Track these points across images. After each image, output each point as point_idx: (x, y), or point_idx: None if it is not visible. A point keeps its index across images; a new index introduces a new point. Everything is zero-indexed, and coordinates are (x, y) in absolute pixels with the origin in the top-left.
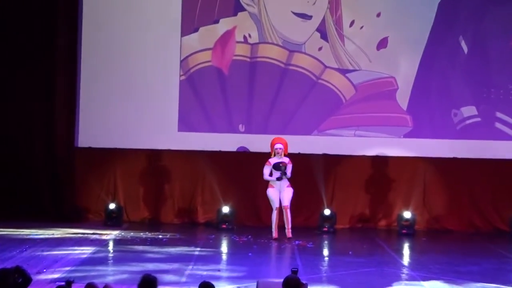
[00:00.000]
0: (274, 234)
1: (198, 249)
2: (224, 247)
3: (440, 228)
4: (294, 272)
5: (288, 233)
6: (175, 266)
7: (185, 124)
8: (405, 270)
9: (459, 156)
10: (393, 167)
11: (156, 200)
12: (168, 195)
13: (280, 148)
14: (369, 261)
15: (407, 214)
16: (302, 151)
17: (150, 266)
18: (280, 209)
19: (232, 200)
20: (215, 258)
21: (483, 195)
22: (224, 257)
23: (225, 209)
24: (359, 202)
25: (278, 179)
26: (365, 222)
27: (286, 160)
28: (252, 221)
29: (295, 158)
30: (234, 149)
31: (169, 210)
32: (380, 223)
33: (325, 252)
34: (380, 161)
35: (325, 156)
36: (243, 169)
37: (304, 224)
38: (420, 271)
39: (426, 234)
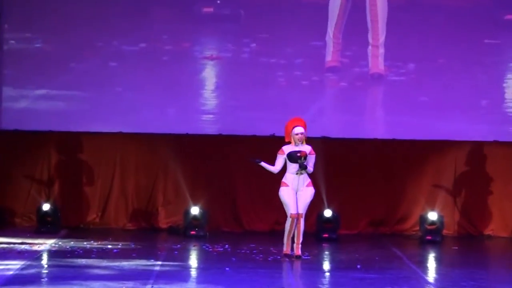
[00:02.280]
0: (285, 248)
1: (159, 262)
2: (193, 260)
3: (475, 233)
4: None
5: (297, 249)
6: (129, 285)
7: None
8: None
9: (500, 139)
10: (414, 154)
11: (104, 199)
12: (120, 192)
13: (302, 133)
14: (383, 276)
15: (432, 216)
16: None
17: (96, 286)
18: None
19: (203, 198)
20: (182, 274)
21: None
22: (193, 273)
23: (194, 211)
24: (370, 200)
25: (298, 171)
26: (377, 226)
27: (307, 149)
28: (229, 225)
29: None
30: (205, 132)
31: (121, 212)
32: (397, 227)
33: (326, 265)
34: (397, 146)
35: (325, 139)
36: (219, 158)
37: None
38: None
39: (458, 241)
